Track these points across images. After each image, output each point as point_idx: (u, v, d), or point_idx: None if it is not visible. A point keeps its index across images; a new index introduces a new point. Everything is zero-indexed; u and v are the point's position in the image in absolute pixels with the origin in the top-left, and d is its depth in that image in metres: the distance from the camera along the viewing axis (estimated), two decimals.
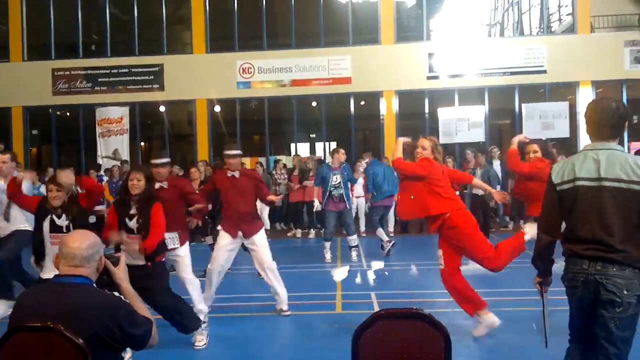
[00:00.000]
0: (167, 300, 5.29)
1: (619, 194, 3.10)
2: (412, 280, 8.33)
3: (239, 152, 6.70)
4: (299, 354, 5.38)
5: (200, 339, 5.61)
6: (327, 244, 10.16)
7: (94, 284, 2.77)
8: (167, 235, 5.84)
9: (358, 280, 8.55)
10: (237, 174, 6.57)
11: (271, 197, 6.96)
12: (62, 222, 5.15)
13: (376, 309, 6.67)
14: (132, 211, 5.24)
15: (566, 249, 3.27)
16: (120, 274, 2.91)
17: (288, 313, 6.53)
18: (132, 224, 5.20)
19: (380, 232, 10.31)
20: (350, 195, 10.51)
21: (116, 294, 2.84)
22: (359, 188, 12.23)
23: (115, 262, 2.93)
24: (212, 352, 5.57)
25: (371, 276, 8.83)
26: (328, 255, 10.09)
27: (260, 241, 6.54)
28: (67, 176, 5.25)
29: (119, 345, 2.68)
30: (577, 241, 3.20)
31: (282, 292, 6.58)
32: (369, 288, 7.93)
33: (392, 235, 10.93)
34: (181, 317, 5.35)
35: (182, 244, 5.96)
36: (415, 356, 2.65)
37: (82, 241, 2.74)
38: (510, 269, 8.85)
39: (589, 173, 3.19)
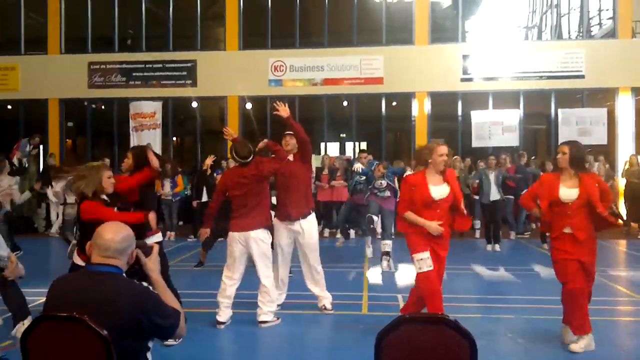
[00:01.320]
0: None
1: None
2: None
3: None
4: (323, 353, 5.32)
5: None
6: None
7: (124, 274, 2.81)
8: None
9: (385, 282, 8.45)
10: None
11: None
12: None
13: None
14: None
15: None
16: (151, 264, 2.95)
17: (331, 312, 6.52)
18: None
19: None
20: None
21: (145, 284, 2.86)
22: None
23: (148, 253, 2.97)
24: (236, 349, 5.53)
25: (398, 278, 8.72)
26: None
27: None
28: None
29: (146, 334, 2.71)
30: None
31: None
32: (395, 290, 7.83)
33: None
34: None
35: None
36: None
37: (117, 233, 2.79)
38: (540, 278, 8.71)
39: None
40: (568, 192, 5.22)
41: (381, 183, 9.81)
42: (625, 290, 7.98)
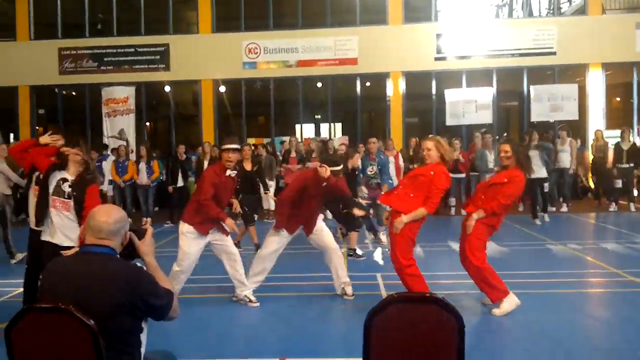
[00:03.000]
0: None
1: None
2: (419, 262, 8.31)
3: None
4: (308, 335, 5.39)
5: None
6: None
7: (118, 255, 2.85)
8: None
9: (363, 262, 8.55)
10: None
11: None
12: (66, 188, 5.16)
13: (382, 290, 6.69)
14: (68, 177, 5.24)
15: None
16: (145, 247, 2.99)
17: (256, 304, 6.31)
18: (65, 187, 5.18)
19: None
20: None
21: (139, 264, 2.90)
22: None
23: (141, 235, 3.00)
24: (220, 333, 5.57)
25: (377, 257, 8.83)
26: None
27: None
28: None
29: (141, 314, 2.75)
30: None
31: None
32: (374, 269, 7.92)
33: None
34: None
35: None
36: (428, 340, 2.63)
37: (110, 215, 2.82)
38: (517, 252, 8.89)
39: None
40: None
41: (372, 169, 9.88)
42: (597, 262, 8.19)
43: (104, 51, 17.20)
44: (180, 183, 13.04)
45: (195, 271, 6.36)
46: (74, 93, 18.44)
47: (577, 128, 16.18)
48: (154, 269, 2.95)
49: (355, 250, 8.86)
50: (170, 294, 2.87)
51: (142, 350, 2.86)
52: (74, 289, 2.63)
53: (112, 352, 2.61)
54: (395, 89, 16.81)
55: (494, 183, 5.88)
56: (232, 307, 6.26)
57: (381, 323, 2.65)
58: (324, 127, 18.91)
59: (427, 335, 2.65)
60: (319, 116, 20.27)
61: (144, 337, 2.87)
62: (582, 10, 16.88)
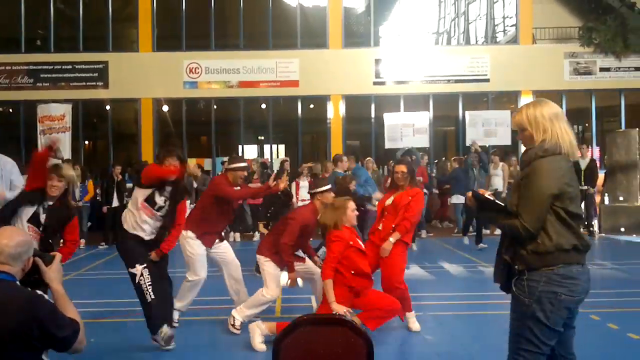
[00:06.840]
0: None
1: None
2: None
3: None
4: (235, 357, 5.36)
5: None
6: None
7: (18, 282, 2.69)
8: None
9: (299, 284, 8.56)
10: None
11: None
12: (42, 219, 4.79)
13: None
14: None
15: None
16: (51, 274, 2.83)
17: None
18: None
19: None
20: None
21: (39, 292, 2.74)
22: (304, 192, 11.95)
23: (49, 261, 2.85)
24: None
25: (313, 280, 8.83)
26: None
27: None
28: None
29: (39, 344, 2.59)
30: None
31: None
32: (310, 292, 7.93)
33: None
34: None
35: None
36: None
37: (12, 238, 2.68)
38: (449, 275, 9.09)
39: None
40: None
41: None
42: None
43: (41, 67, 16.84)
44: (115, 203, 12.81)
45: (119, 295, 6.24)
46: (10, 110, 17.93)
47: (510, 153, 16.71)
48: (61, 297, 2.80)
49: None
50: (76, 324, 2.71)
51: None
52: None
53: None
54: (335, 111, 17.05)
55: (398, 204, 5.88)
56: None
57: (290, 345, 2.68)
58: (267, 149, 18.96)
59: (335, 357, 2.70)
60: (262, 137, 20.32)
61: None
62: (514, 40, 17.58)
